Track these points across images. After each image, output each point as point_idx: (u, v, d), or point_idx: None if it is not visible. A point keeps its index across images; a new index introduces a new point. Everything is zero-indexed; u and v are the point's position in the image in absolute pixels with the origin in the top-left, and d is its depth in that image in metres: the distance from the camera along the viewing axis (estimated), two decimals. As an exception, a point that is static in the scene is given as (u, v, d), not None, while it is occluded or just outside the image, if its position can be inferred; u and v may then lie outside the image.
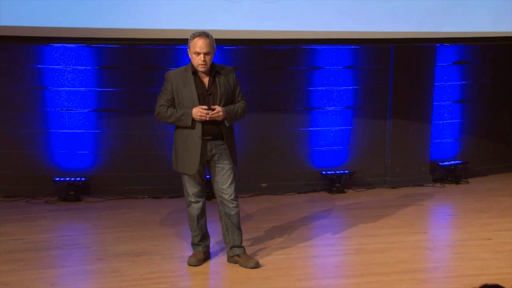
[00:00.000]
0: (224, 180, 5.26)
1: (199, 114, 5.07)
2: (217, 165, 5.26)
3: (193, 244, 5.47)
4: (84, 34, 6.38)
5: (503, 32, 7.11)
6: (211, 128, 5.16)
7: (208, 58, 5.10)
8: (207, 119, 5.07)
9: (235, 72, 5.32)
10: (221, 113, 5.10)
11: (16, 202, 7.11)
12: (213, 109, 5.08)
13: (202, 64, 5.09)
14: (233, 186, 5.29)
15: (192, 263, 5.36)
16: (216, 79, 5.18)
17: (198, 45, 5.07)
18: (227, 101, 5.20)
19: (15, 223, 6.41)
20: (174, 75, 5.23)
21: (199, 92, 5.14)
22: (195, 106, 5.11)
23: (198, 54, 5.08)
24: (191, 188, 5.31)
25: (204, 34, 5.11)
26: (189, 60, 5.24)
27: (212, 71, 5.19)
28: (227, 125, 5.19)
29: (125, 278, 5.08)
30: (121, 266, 5.34)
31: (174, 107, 5.19)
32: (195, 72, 5.17)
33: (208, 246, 5.52)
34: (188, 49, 5.17)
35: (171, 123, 5.26)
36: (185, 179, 5.32)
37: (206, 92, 5.16)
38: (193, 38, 5.11)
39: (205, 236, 5.47)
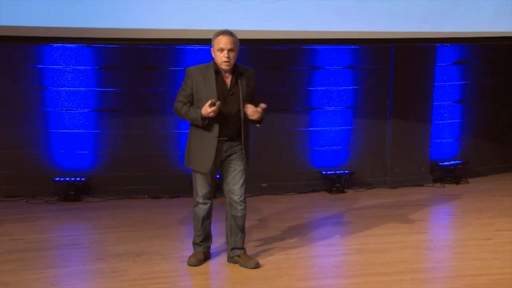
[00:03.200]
0: (235, 181, 5.25)
1: (208, 110, 4.93)
2: (230, 165, 5.24)
3: (195, 244, 5.47)
4: (84, 34, 6.39)
5: (503, 32, 7.11)
6: (228, 129, 5.14)
7: (232, 55, 5.04)
8: (214, 111, 4.97)
9: (255, 74, 5.29)
10: (260, 111, 5.06)
11: (16, 202, 7.11)
12: (218, 103, 4.97)
13: (225, 61, 5.03)
14: (243, 188, 5.27)
15: (192, 263, 5.36)
16: (239, 80, 5.13)
17: (223, 42, 5.02)
18: (247, 103, 5.15)
19: (15, 223, 6.41)
20: (195, 71, 5.16)
21: (220, 91, 5.08)
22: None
23: (222, 50, 5.02)
24: (201, 188, 5.29)
25: (228, 32, 5.07)
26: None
27: (235, 71, 5.14)
28: (258, 126, 5.18)
29: (125, 278, 5.08)
30: (121, 266, 5.34)
31: (191, 105, 5.13)
32: (217, 71, 5.11)
33: (209, 247, 5.52)
34: (211, 48, 5.10)
35: (186, 120, 5.22)
36: (196, 179, 5.30)
37: (227, 92, 5.11)
38: (217, 35, 5.06)
39: (207, 237, 5.47)
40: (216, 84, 5.09)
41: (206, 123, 5.05)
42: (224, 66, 5.07)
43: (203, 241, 5.44)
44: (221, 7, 6.44)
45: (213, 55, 5.11)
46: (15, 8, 6.16)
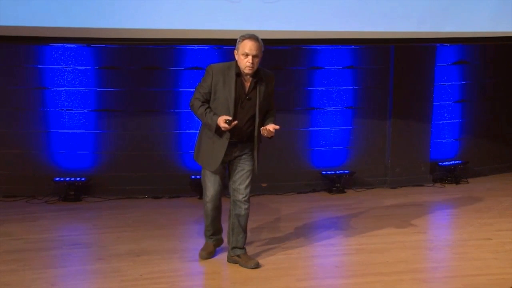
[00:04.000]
0: (242, 180, 5.28)
1: (222, 125, 5.01)
2: (239, 164, 5.27)
3: (205, 235, 5.58)
4: (84, 34, 6.38)
5: (503, 32, 7.11)
6: (240, 133, 5.16)
7: (256, 61, 5.03)
8: (225, 129, 5.04)
9: (274, 79, 5.29)
10: (272, 132, 5.09)
11: (16, 202, 7.11)
12: (234, 122, 5.00)
13: (249, 67, 5.02)
14: (249, 188, 5.30)
15: (203, 256, 5.50)
16: (258, 85, 5.13)
17: (248, 47, 5.00)
18: (263, 109, 5.18)
19: (15, 223, 6.41)
20: (216, 70, 5.13)
21: (237, 95, 5.09)
22: (230, 108, 5.06)
23: (246, 55, 5.01)
24: (209, 188, 5.32)
25: (254, 37, 5.05)
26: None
27: (256, 76, 5.12)
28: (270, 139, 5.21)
29: (125, 278, 5.09)
30: (121, 266, 5.34)
31: (208, 106, 5.13)
32: (239, 74, 5.10)
33: (218, 239, 5.60)
34: (235, 50, 5.09)
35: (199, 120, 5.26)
36: (206, 176, 5.32)
37: (244, 96, 5.12)
38: (243, 39, 5.04)
39: (217, 231, 5.57)
40: (235, 87, 5.09)
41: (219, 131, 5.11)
42: (247, 71, 5.06)
43: (213, 234, 5.54)
44: (221, 7, 6.44)
45: (236, 58, 5.10)
46: (15, 8, 6.16)
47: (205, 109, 5.12)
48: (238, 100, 5.10)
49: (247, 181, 5.28)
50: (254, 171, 5.30)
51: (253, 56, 5.01)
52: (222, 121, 4.99)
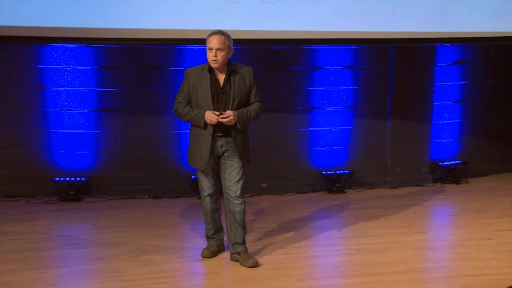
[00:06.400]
0: (231, 177, 5.32)
1: (209, 118, 5.16)
2: (227, 162, 5.33)
3: (207, 237, 5.58)
4: (84, 34, 6.39)
5: (503, 32, 7.12)
6: (222, 126, 5.23)
7: (220, 54, 5.16)
8: (215, 122, 5.15)
9: (253, 72, 5.36)
10: (232, 118, 5.16)
11: (16, 202, 7.11)
12: (224, 114, 5.14)
13: (213, 60, 5.18)
14: (239, 183, 5.34)
15: (206, 255, 5.50)
16: (232, 78, 5.26)
17: (212, 42, 5.17)
18: (241, 102, 5.27)
19: (15, 223, 6.41)
20: (191, 72, 5.32)
21: (213, 90, 5.23)
22: (209, 104, 5.21)
23: (211, 49, 5.18)
24: (204, 182, 5.42)
25: (219, 32, 5.22)
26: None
27: (228, 69, 5.25)
28: (239, 128, 5.25)
29: (125, 278, 5.09)
30: (121, 266, 5.34)
31: (191, 105, 5.29)
32: (211, 70, 5.25)
33: (221, 239, 5.62)
34: (206, 48, 5.26)
35: (186, 121, 5.36)
36: (199, 174, 5.43)
37: (220, 91, 5.23)
38: (209, 36, 5.23)
39: (218, 230, 5.58)
40: (210, 83, 5.23)
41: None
42: (212, 65, 5.22)
43: (215, 233, 5.56)
44: (221, 7, 6.44)
45: (207, 55, 5.25)
46: (15, 8, 6.16)
47: (190, 107, 5.29)
48: (214, 95, 5.24)
49: (237, 177, 5.33)
50: (244, 160, 5.33)
51: (217, 50, 5.16)
52: (210, 113, 5.13)
